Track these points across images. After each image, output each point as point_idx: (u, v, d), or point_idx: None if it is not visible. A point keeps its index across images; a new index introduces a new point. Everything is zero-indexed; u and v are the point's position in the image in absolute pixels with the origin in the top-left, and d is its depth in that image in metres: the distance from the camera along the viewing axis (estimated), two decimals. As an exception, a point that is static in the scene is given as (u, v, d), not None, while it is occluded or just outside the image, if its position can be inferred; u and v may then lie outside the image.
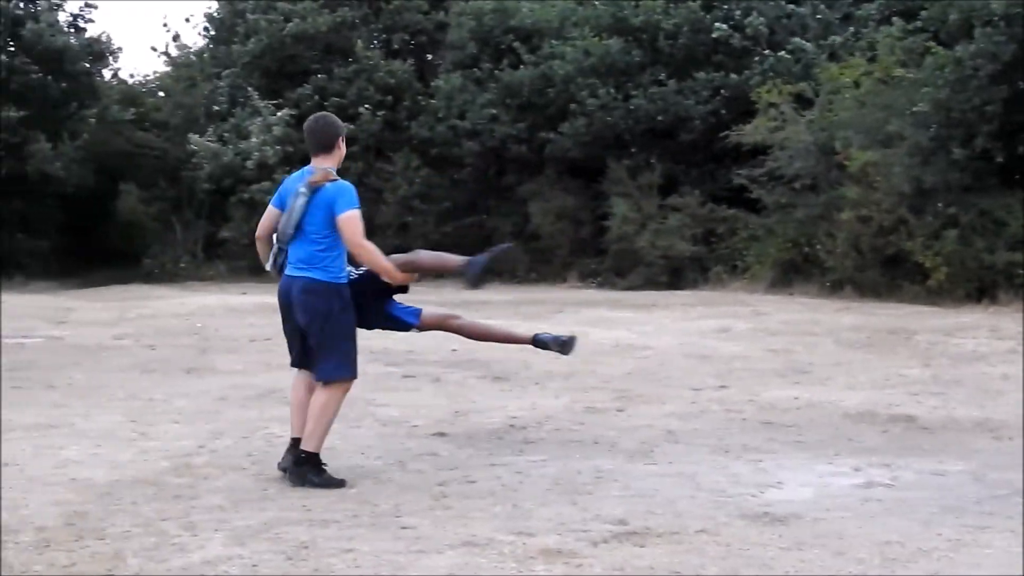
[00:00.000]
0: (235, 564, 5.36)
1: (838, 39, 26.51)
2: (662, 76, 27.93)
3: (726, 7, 27.88)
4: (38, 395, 10.80)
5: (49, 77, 31.47)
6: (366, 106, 31.29)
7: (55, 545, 5.70)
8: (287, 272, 7.12)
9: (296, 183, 7.09)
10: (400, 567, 5.31)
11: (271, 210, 7.23)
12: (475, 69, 31.11)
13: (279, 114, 30.72)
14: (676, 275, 26.58)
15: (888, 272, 21.61)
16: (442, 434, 8.70)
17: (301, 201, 6.95)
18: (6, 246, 31.50)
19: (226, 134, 31.51)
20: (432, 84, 32.03)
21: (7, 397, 10.71)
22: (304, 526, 6.00)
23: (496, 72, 30.44)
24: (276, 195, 7.27)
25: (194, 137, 31.49)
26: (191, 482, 7.09)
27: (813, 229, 23.31)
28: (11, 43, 31.15)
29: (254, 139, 30.35)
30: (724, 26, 27.34)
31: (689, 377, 11.72)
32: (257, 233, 7.34)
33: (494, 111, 30.00)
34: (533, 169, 30.23)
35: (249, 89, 31.95)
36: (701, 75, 27.58)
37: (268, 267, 7.27)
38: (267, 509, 6.37)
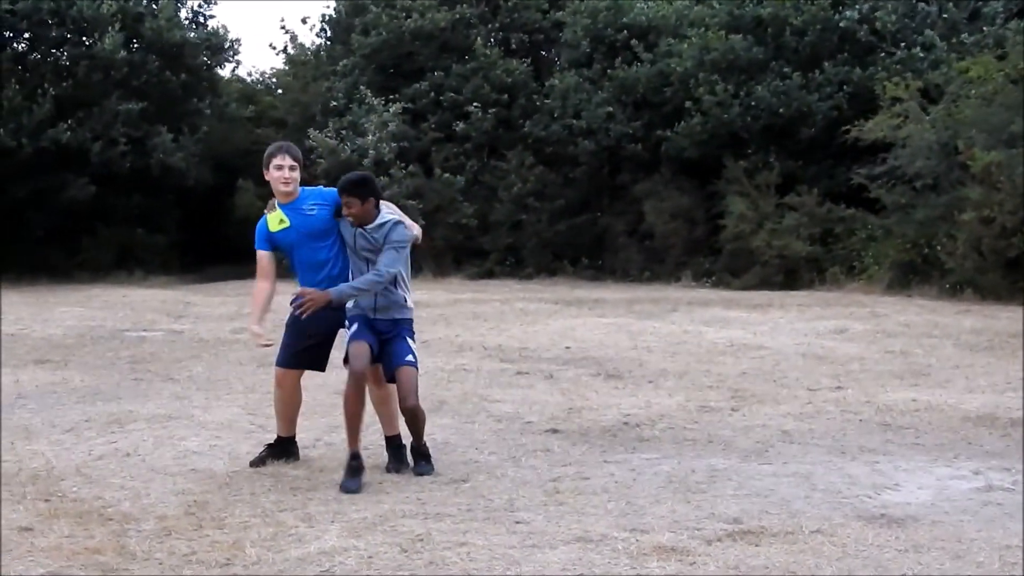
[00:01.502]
0: (351, 556, 5.42)
1: (968, 37, 26.06)
2: (787, 69, 27.66)
3: (856, 5, 27.52)
4: (159, 387, 11.01)
5: (168, 72, 31.94)
6: (475, 104, 31.35)
7: (176, 533, 5.81)
8: None
9: None
10: (514, 561, 5.32)
11: None
12: (589, 68, 31.05)
13: (392, 110, 30.88)
14: (791, 275, 26.30)
15: (1010, 274, 21.18)
16: (556, 431, 8.70)
17: None
18: (127, 241, 32.10)
19: (343, 131, 31.73)
20: (547, 83, 31.99)
21: (129, 389, 10.95)
22: (419, 519, 6.05)
23: (610, 71, 30.36)
24: None
25: (313, 133, 31.75)
26: (308, 474, 7.19)
27: (933, 230, 22.90)
28: (133, 38, 31.66)
29: (370, 136, 30.57)
30: (855, 14, 27.05)
31: (805, 378, 11.61)
32: None
33: (609, 109, 29.91)
34: (648, 168, 30.06)
35: (362, 88, 32.14)
36: (827, 65, 27.27)
37: None
38: (383, 502, 6.43)
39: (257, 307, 7.58)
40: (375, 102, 31.16)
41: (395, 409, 7.42)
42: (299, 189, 7.41)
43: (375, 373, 7.32)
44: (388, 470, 7.28)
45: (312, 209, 7.34)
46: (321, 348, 7.50)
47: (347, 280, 7.23)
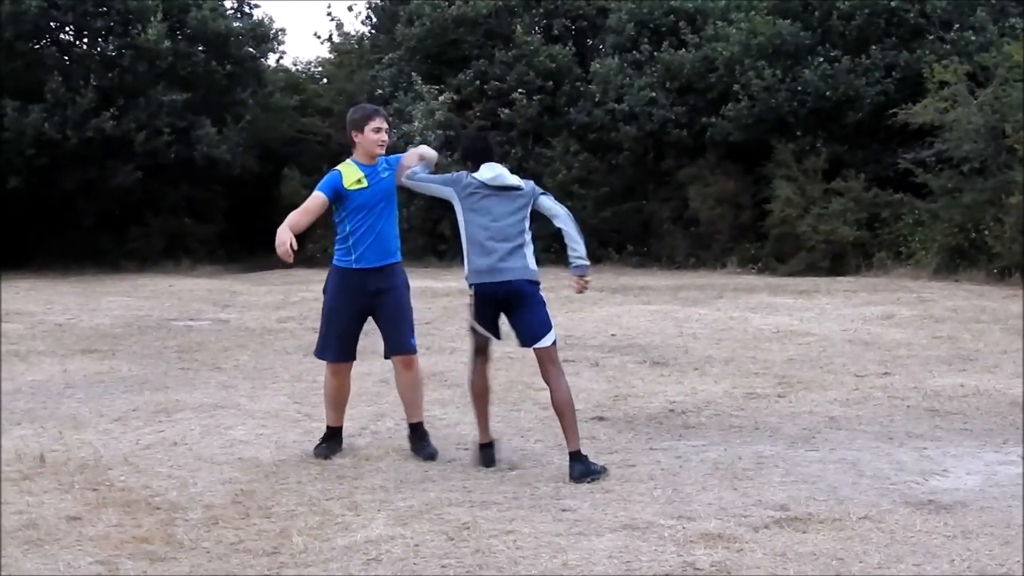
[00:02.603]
0: (397, 544, 5.44)
1: (1019, 21, 25.78)
2: (834, 53, 27.44)
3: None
4: (206, 376, 11.07)
5: (214, 63, 31.99)
6: (520, 91, 31.30)
7: (223, 522, 5.84)
8: None
9: None
10: (560, 549, 5.33)
11: None
12: (634, 52, 30.91)
13: (441, 99, 30.87)
14: (838, 261, 26.12)
15: (1058, 259, 20.99)
16: (601, 418, 8.70)
17: None
18: (176, 230, 32.26)
19: (389, 118, 31.70)
20: (591, 69, 31.90)
21: (176, 378, 11.01)
22: (465, 507, 6.06)
23: (656, 54, 30.22)
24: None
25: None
26: (354, 463, 7.21)
27: (980, 214, 22.69)
28: (178, 28, 31.76)
29: (416, 123, 30.57)
30: None
31: (852, 363, 11.54)
32: None
33: (652, 94, 29.77)
34: (693, 153, 29.91)
35: (412, 74, 32.15)
36: (874, 50, 27.04)
37: None
38: (429, 490, 6.45)
39: (292, 221, 7.35)
40: (423, 89, 31.14)
41: (421, 396, 7.46)
42: None
43: (403, 358, 7.39)
44: (423, 457, 7.26)
45: (384, 173, 7.46)
46: (355, 334, 7.53)
47: (398, 249, 7.46)
